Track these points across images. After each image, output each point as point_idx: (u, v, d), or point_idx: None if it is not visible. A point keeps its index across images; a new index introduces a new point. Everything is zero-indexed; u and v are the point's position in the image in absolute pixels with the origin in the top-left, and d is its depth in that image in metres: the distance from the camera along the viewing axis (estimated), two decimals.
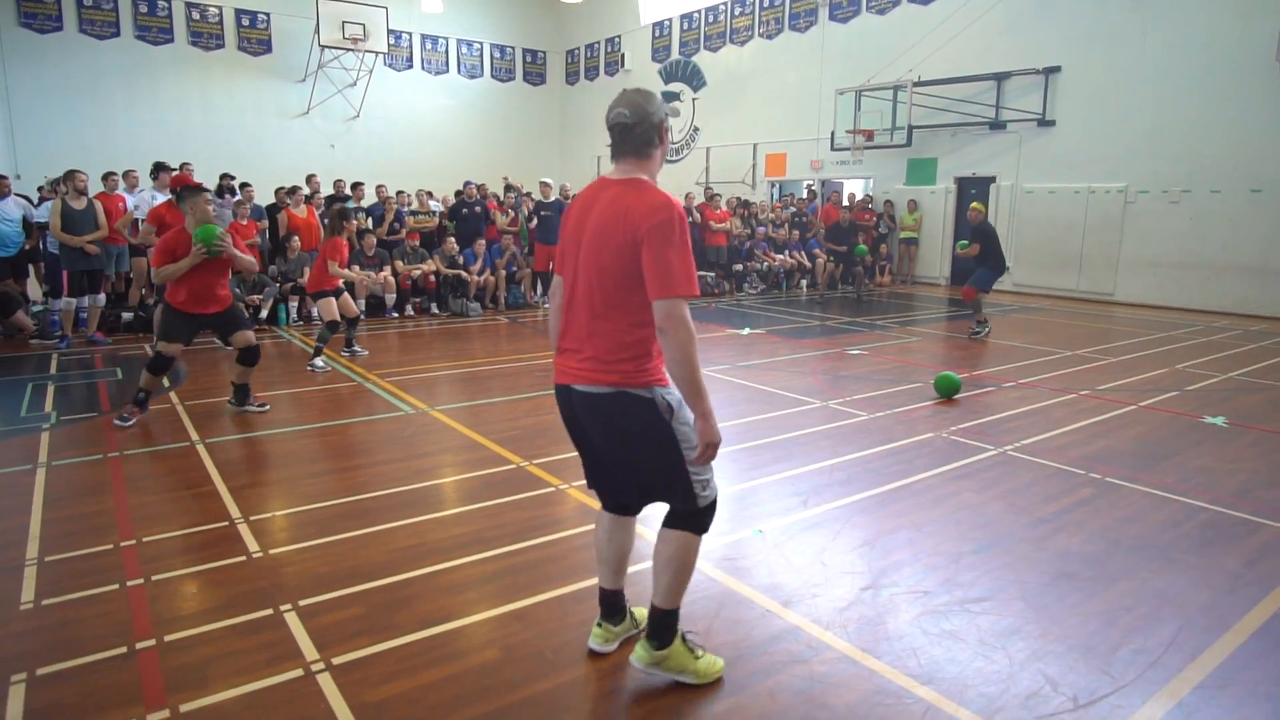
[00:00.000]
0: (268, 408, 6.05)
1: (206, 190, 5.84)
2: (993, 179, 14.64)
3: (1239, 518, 4.11)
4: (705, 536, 2.66)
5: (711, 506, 2.57)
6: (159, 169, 9.69)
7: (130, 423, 5.50)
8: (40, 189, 11.31)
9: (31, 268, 9.87)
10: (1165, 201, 12.50)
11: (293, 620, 3.00)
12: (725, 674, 2.69)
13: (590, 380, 2.44)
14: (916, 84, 14.64)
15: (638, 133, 2.53)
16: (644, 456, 2.49)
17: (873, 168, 16.56)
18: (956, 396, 6.49)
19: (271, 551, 3.60)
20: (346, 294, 8.08)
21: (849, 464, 4.85)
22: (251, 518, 3.98)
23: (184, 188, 6.06)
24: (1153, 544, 3.78)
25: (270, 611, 3.06)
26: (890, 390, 6.80)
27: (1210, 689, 2.65)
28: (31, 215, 9.34)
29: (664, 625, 2.58)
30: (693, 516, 2.54)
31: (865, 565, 3.50)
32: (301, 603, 3.13)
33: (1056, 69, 13.47)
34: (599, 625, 2.82)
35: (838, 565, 3.50)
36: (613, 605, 2.81)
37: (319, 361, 7.53)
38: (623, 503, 2.74)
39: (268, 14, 19.05)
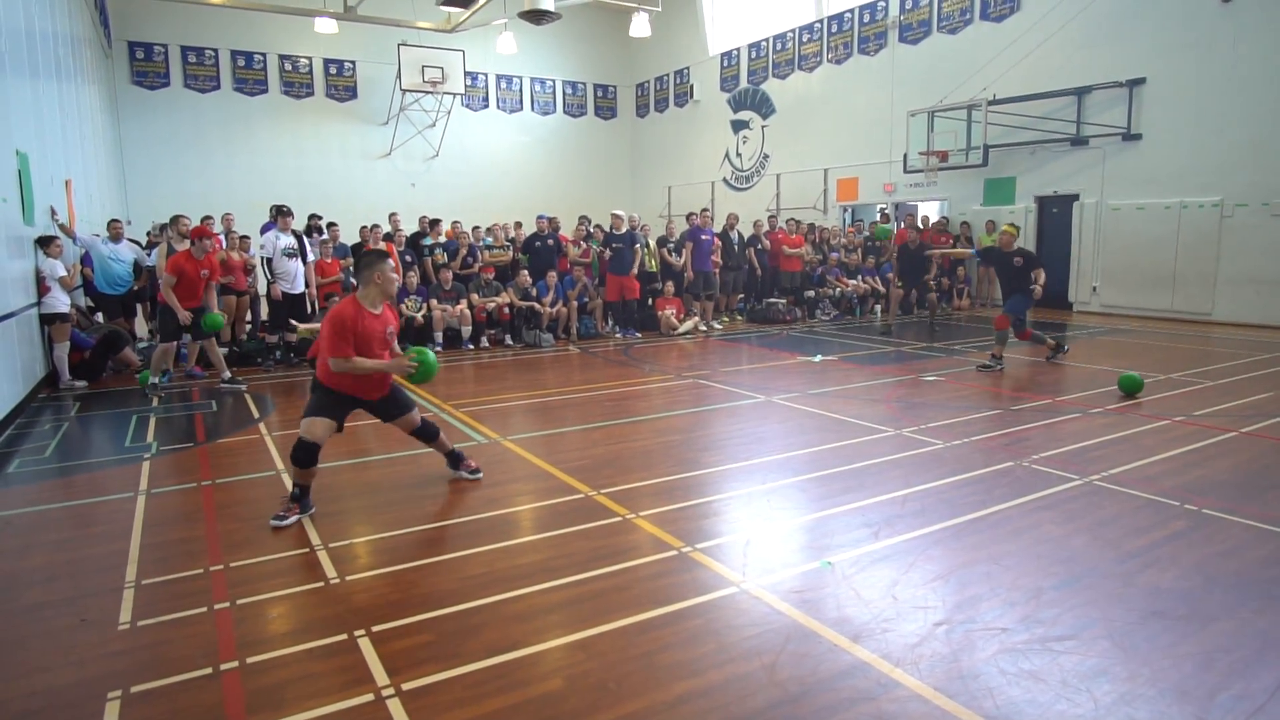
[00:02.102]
0: (480, 475, 5.26)
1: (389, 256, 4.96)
2: (1076, 196, 14.13)
3: None
4: (772, 568, 2.68)
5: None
6: (281, 212, 10.03)
7: (288, 522, 4.44)
8: (149, 233, 12.13)
9: (140, 307, 10.57)
10: (1266, 215, 11.81)
11: (365, 645, 3.09)
12: (792, 709, 2.64)
13: None
14: (991, 102, 14.30)
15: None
16: None
17: (948, 189, 16.21)
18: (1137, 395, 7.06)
19: (348, 578, 3.73)
20: None
21: (922, 494, 4.71)
22: (330, 544, 4.13)
23: (370, 251, 5.16)
24: (1254, 581, 3.54)
25: (345, 636, 3.16)
26: (967, 417, 6.59)
27: None
28: (143, 258, 10.04)
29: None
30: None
31: (939, 600, 3.39)
32: (374, 628, 3.22)
33: (1141, 81, 12.97)
34: None
35: (910, 599, 3.40)
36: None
37: None
38: None
39: (353, 62, 20.10)
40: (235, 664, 2.98)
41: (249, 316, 11.00)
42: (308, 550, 4.07)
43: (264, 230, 10.73)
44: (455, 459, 5.26)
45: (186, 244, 9.03)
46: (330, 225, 11.46)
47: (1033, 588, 3.48)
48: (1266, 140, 11.69)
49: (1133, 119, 13.16)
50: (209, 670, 2.94)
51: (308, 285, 10.16)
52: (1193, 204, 12.57)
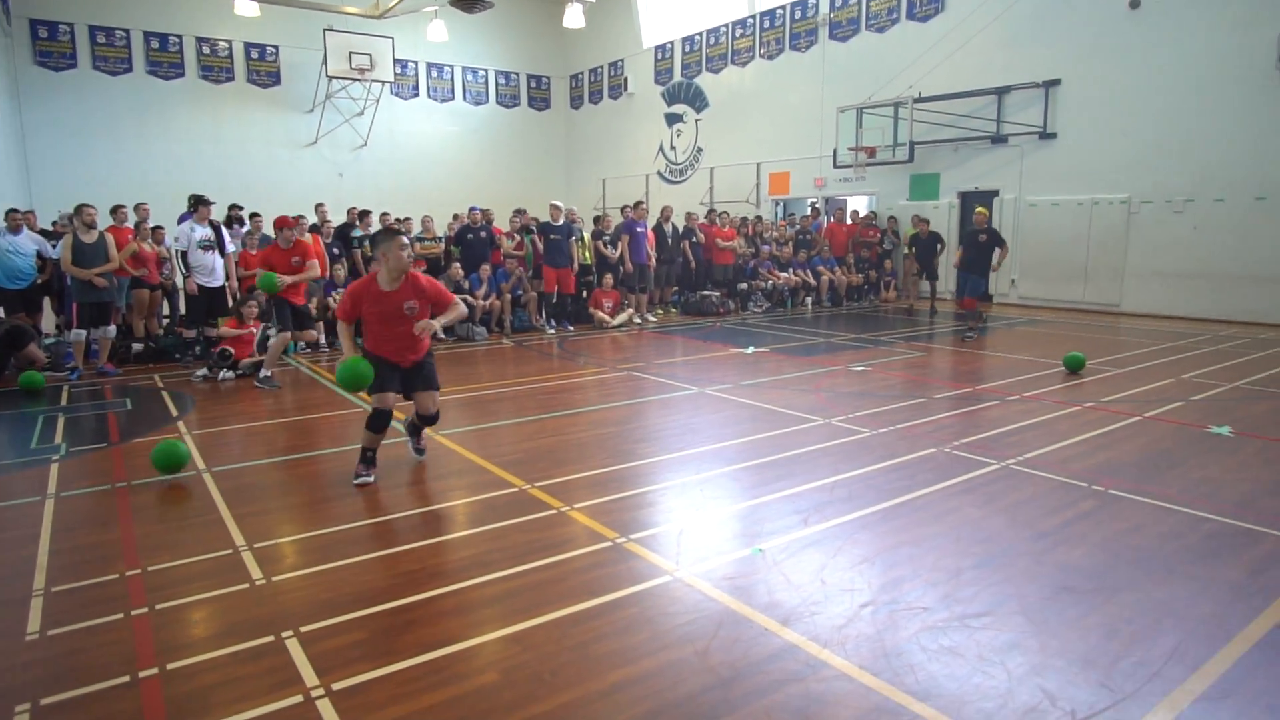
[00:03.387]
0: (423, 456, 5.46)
1: (401, 232, 5.09)
2: (996, 192, 14.67)
3: (1242, 528, 4.09)
4: (704, 555, 2.85)
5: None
6: (199, 202, 9.70)
7: (370, 479, 4.93)
8: (54, 223, 11.51)
9: (47, 300, 10.03)
10: (1169, 211, 12.49)
11: (294, 646, 3.03)
12: (724, 693, 2.70)
13: None
14: (917, 100, 14.73)
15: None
16: None
17: (876, 184, 16.63)
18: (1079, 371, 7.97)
19: (274, 578, 3.63)
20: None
21: (850, 481, 4.85)
22: (255, 545, 4.02)
23: (380, 230, 5.41)
24: (1155, 556, 3.76)
25: (272, 638, 3.09)
26: (893, 406, 6.80)
27: (1211, 700, 2.63)
28: (46, 250, 9.51)
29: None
30: None
31: (865, 582, 3.50)
32: (303, 629, 3.16)
33: (1056, 82, 13.54)
34: None
35: (837, 582, 3.50)
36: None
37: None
38: None
39: (276, 47, 19.43)
40: (155, 670, 2.88)
41: (165, 311, 10.57)
42: (231, 551, 3.95)
43: (180, 221, 10.30)
44: (417, 430, 5.45)
45: (93, 234, 8.62)
46: (253, 216, 11.08)
47: (953, 568, 3.63)
48: (1169, 141, 12.35)
49: (1049, 119, 13.73)
50: (126, 679, 2.83)
51: (228, 279, 9.79)
52: (1103, 201, 13.20)
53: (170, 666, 2.90)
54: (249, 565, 3.78)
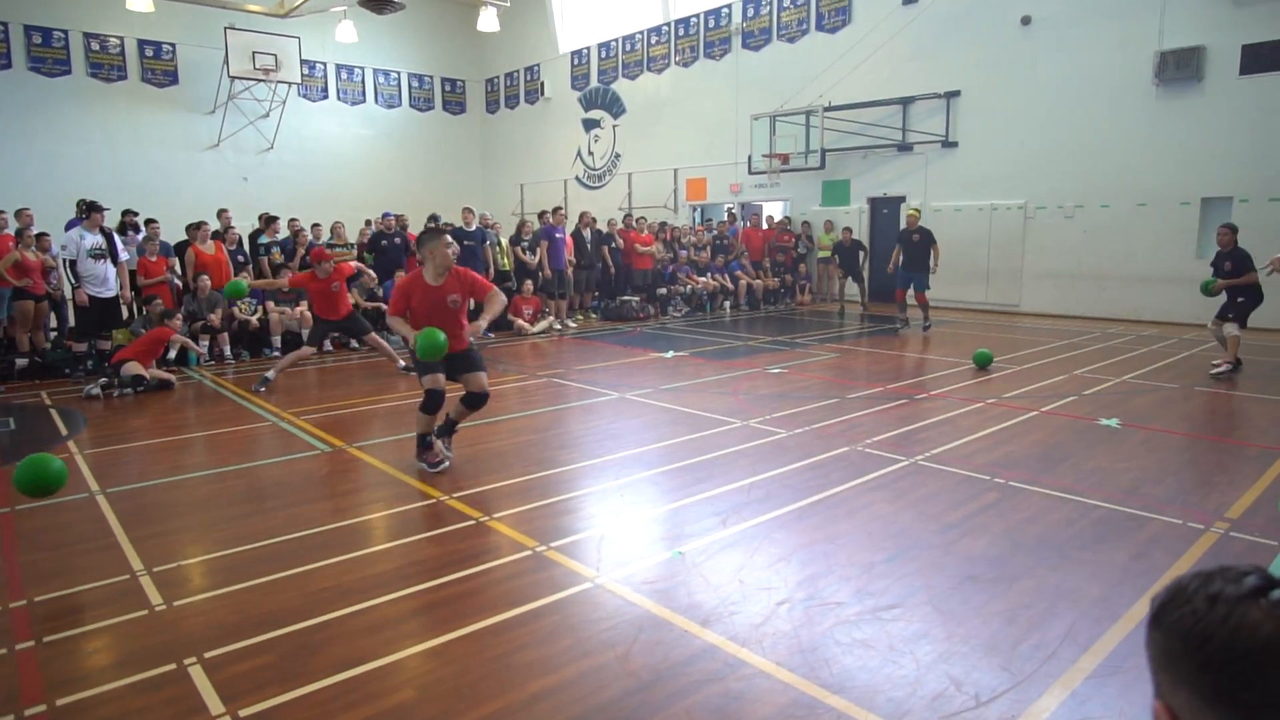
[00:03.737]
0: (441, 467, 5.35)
1: (445, 232, 5.58)
2: (903, 198, 15.24)
3: (1129, 513, 4.36)
4: (625, 561, 3.04)
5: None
6: (90, 208, 9.12)
7: (445, 464, 5.34)
8: None
9: None
10: (1061, 217, 13.23)
11: (197, 674, 2.89)
12: (645, 696, 2.71)
13: None
14: (827, 109, 15.18)
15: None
16: None
17: (790, 190, 17.04)
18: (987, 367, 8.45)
19: (176, 603, 3.46)
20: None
21: (767, 481, 4.95)
22: (155, 569, 3.82)
23: (426, 230, 6.10)
24: (1052, 543, 3.97)
25: (173, 666, 2.94)
26: (808, 407, 6.98)
27: (1101, 677, 2.80)
28: None
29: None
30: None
31: (782, 580, 3.58)
32: (207, 655, 3.02)
33: (956, 93, 14.17)
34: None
35: (755, 582, 3.56)
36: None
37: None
38: None
39: (173, 45, 18.57)
40: (43, 707, 2.70)
41: (52, 324, 9.93)
42: (128, 577, 3.74)
43: (68, 228, 9.69)
44: (451, 427, 5.58)
45: None
46: (149, 222, 10.53)
47: (865, 562, 3.75)
48: (1060, 150, 13.09)
49: (950, 128, 14.36)
50: (9, 718, 2.65)
51: (122, 289, 9.27)
52: (1001, 206, 13.89)
53: (60, 702, 2.73)
54: (148, 590, 3.59)
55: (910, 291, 11.85)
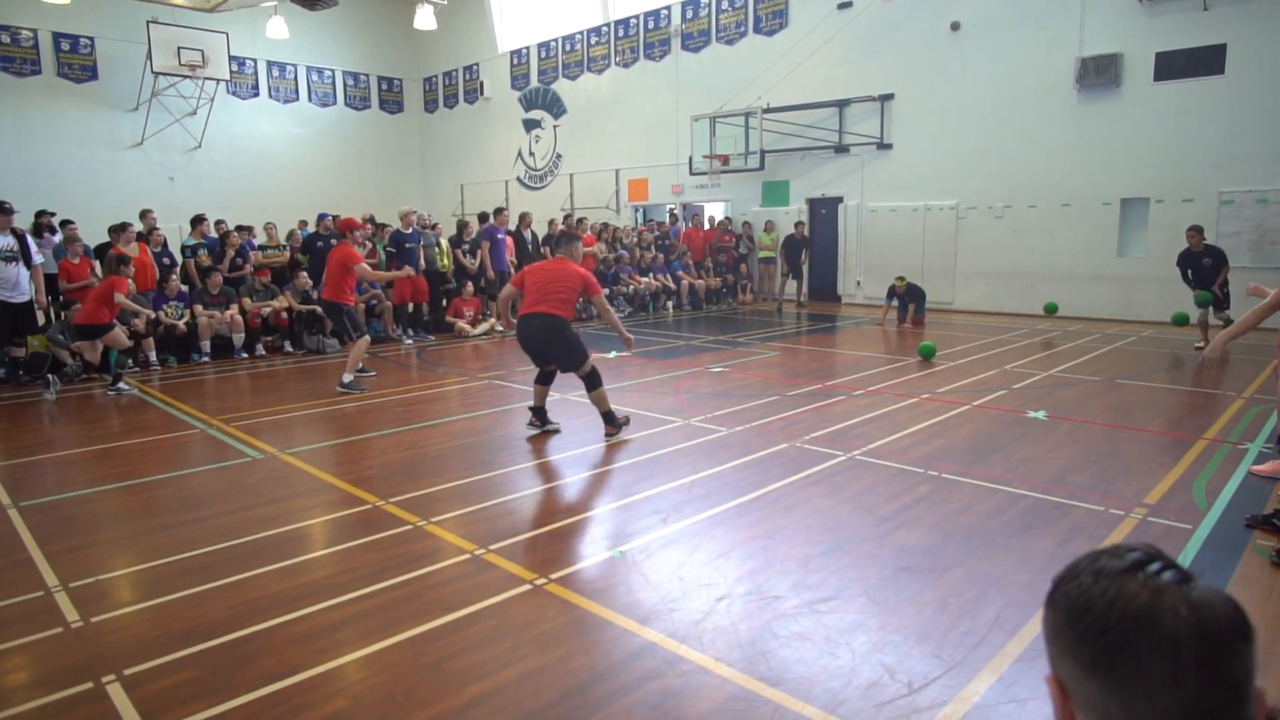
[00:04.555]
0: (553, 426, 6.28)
1: (578, 237, 6.39)
2: (840, 199, 15.53)
3: (1054, 502, 4.52)
4: (566, 563, 3.38)
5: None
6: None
7: (625, 433, 6.04)
8: None
9: None
10: (991, 217, 13.64)
11: (116, 692, 2.77)
12: (584, 696, 2.69)
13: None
14: (766, 110, 15.37)
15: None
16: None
17: (730, 190, 17.21)
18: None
19: (94, 619, 3.31)
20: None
21: (708, 479, 4.98)
22: (71, 584, 3.64)
23: (562, 233, 7.24)
24: (982, 532, 4.08)
25: (90, 685, 2.81)
26: (748, 405, 7.05)
27: (1027, 660, 2.88)
28: None
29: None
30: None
31: (721, 576, 3.60)
32: (127, 671, 2.89)
33: (890, 96, 14.49)
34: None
35: (694, 578, 3.58)
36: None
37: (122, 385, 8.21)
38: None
39: (91, 39, 17.79)
40: None
41: None
42: (42, 593, 3.57)
43: None
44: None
45: None
46: (65, 223, 10.07)
47: (802, 556, 3.80)
48: (990, 152, 13.50)
49: (885, 130, 14.68)
50: None
51: (37, 292, 8.82)
52: (935, 207, 14.26)
53: None
54: (63, 607, 3.42)
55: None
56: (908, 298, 12.51)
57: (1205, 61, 11.37)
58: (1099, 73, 12.10)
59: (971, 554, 3.82)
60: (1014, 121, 13.15)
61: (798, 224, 15.35)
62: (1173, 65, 11.62)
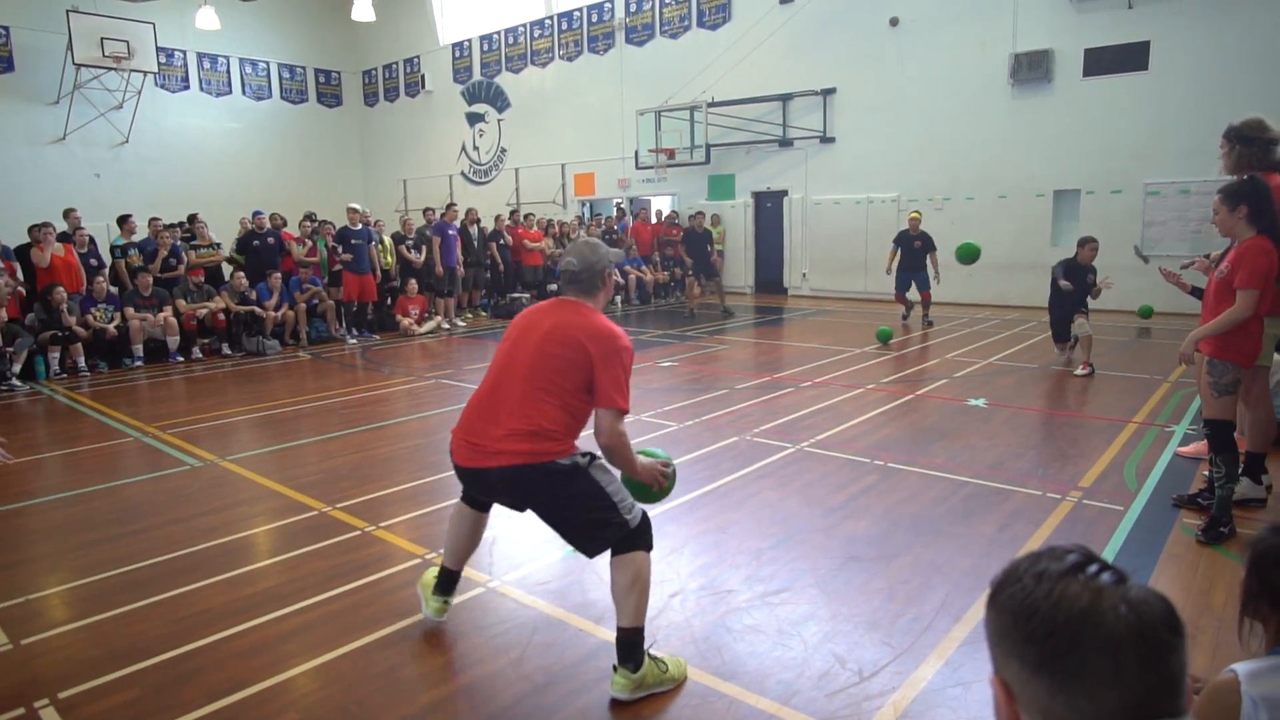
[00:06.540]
0: None
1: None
2: (785, 192, 15.70)
3: (995, 488, 4.66)
4: (519, 563, 2.79)
5: (647, 522, 2.81)
6: None
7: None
8: None
9: None
10: (931, 209, 13.94)
11: (50, 716, 2.66)
12: (539, 699, 2.69)
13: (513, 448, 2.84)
14: (711, 104, 15.45)
15: (583, 279, 3.03)
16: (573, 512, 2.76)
17: (677, 184, 17.25)
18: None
19: (24, 641, 3.18)
20: None
21: None
22: (0, 605, 3.49)
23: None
24: (927, 519, 4.19)
25: (22, 711, 2.70)
26: (698, 399, 7.10)
27: (972, 644, 2.97)
28: None
29: (634, 645, 2.66)
30: (636, 536, 2.75)
31: (674, 572, 3.63)
32: (62, 694, 2.78)
33: (832, 90, 14.70)
34: (436, 599, 3.14)
35: None
36: (452, 581, 3.17)
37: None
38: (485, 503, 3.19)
39: (6, 28, 16.95)
40: None
41: None
42: None
43: None
44: None
45: None
46: None
47: (754, 550, 3.85)
48: (929, 145, 13.80)
49: (828, 124, 14.89)
50: None
51: None
52: (877, 199, 14.52)
53: None
54: None
55: (914, 290, 11.51)
56: (919, 243, 11.15)
57: (1131, 58, 11.80)
58: (1031, 68, 12.46)
59: (917, 541, 3.91)
60: (952, 115, 13.46)
61: (694, 215, 13.55)
62: (1101, 61, 12.03)
